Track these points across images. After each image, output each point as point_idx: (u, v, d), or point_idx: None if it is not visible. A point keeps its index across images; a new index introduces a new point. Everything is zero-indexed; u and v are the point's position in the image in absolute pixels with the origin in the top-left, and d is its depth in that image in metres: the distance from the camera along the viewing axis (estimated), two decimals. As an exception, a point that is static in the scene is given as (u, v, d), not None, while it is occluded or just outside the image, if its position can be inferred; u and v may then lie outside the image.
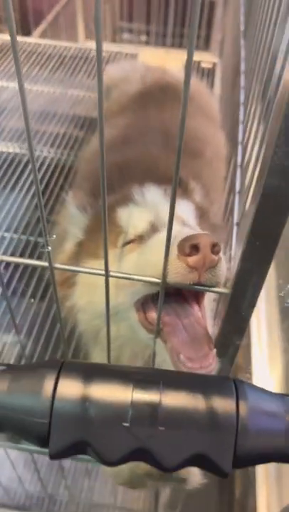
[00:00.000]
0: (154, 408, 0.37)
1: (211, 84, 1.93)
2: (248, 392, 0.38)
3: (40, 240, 1.37)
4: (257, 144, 0.83)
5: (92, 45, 2.20)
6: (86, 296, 0.75)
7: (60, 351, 1.10)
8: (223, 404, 0.37)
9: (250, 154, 0.82)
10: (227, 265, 0.58)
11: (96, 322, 0.76)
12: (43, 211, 0.48)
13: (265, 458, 0.38)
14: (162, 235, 0.66)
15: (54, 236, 0.78)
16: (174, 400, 0.37)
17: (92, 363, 0.43)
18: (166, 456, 0.36)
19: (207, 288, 0.57)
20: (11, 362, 1.08)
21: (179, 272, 0.56)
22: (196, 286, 0.56)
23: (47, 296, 1.19)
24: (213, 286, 0.57)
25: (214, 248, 0.55)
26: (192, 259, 0.55)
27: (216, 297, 0.86)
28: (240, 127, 0.85)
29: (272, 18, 0.73)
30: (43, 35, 2.32)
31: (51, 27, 2.36)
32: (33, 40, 2.15)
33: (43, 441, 0.36)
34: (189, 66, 0.36)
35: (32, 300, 1.18)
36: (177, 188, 0.83)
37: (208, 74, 2.02)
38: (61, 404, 0.37)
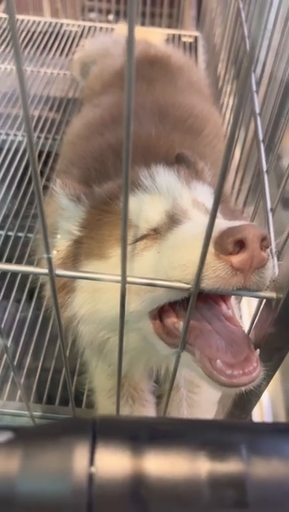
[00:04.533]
0: (239, 488, 0.25)
1: (194, 59, 1.80)
2: None
3: (20, 234, 1.23)
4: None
5: (62, 19, 2.03)
6: (88, 304, 0.62)
7: (54, 359, 0.98)
8: None
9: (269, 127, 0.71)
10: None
11: (101, 334, 0.64)
12: (43, 214, 0.35)
13: None
14: (187, 227, 0.54)
15: (58, 236, 0.65)
16: (265, 470, 0.26)
17: (135, 418, 0.31)
18: None
19: (253, 293, 0.45)
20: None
21: (219, 276, 0.44)
22: (240, 291, 0.45)
23: (33, 298, 1.06)
24: (259, 290, 0.45)
25: (263, 243, 0.44)
26: (237, 259, 0.43)
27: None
28: (255, 97, 0.74)
29: None
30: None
31: (16, 2, 2.17)
32: (-4, 14, 1.96)
33: None
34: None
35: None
36: (191, 171, 0.71)
37: (190, 48, 1.89)
38: (103, 490, 0.25)
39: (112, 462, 0.26)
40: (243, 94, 0.27)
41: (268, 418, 0.87)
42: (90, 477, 0.25)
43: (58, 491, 0.25)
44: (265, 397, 0.91)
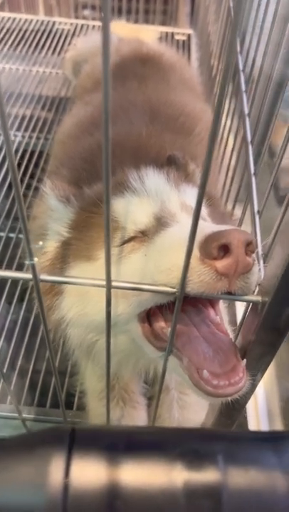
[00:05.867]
0: (215, 498, 0.25)
1: (187, 57, 1.80)
2: None
3: (11, 235, 1.22)
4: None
5: (55, 17, 2.02)
6: (76, 307, 0.61)
7: (45, 361, 0.98)
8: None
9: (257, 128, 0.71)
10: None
11: (89, 336, 0.64)
12: (25, 218, 0.35)
13: None
14: (174, 230, 0.53)
15: (40, 243, 0.64)
16: (243, 480, 0.26)
17: (113, 428, 0.31)
18: None
19: (238, 297, 0.45)
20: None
21: (203, 281, 0.43)
22: (225, 296, 0.45)
23: (25, 299, 1.05)
24: (245, 295, 0.45)
25: (248, 247, 0.44)
26: (222, 264, 0.43)
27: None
28: (244, 97, 0.73)
29: None
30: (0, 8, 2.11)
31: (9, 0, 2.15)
32: (-11, 13, 1.95)
33: None
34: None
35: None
36: (181, 173, 0.71)
37: (183, 46, 1.88)
38: (79, 501, 0.25)
39: (88, 473, 0.26)
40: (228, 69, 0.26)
41: (263, 417, 0.87)
42: (66, 489, 0.25)
43: (33, 503, 0.25)
44: (261, 396, 0.91)
